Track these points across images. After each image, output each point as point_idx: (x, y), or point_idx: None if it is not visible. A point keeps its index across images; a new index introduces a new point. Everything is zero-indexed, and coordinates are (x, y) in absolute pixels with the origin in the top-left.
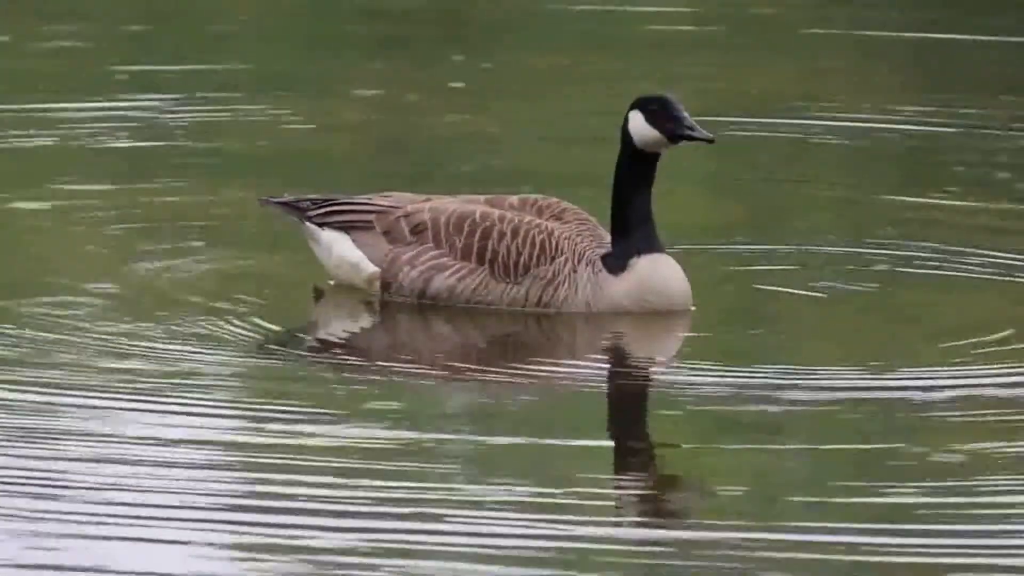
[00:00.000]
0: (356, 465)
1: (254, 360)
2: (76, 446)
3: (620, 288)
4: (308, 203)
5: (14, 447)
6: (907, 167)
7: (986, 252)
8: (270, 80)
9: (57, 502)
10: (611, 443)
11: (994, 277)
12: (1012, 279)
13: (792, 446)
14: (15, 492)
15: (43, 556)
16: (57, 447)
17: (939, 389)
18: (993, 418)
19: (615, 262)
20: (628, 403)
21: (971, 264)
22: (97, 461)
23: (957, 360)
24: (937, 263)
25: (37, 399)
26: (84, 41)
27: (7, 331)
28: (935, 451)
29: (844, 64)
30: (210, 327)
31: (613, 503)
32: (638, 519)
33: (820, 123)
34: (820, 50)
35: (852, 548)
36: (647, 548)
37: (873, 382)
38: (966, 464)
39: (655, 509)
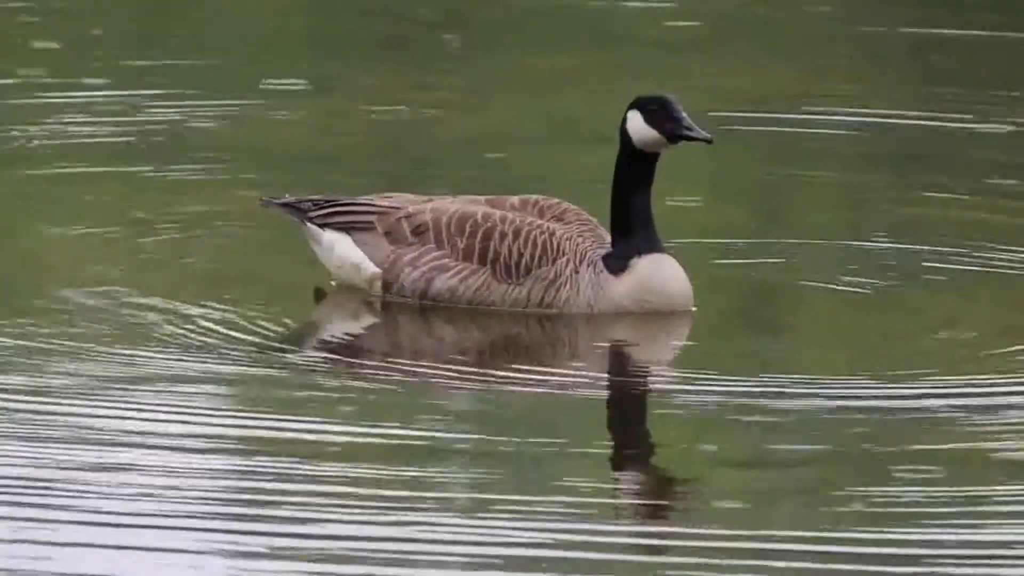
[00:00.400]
0: (356, 467)
1: (255, 362)
2: (74, 453)
3: (621, 288)
4: (309, 204)
5: (13, 455)
6: (908, 165)
7: (989, 250)
8: (271, 80)
9: (56, 511)
10: (611, 446)
11: (996, 275)
12: (1013, 277)
13: (793, 449)
14: (13, 501)
15: (42, 564)
16: (55, 454)
17: (943, 395)
18: (999, 427)
19: (616, 262)
20: (629, 405)
21: (975, 262)
22: (96, 469)
23: (962, 364)
24: (940, 262)
25: (34, 405)
26: (83, 37)
27: (1, 334)
28: (940, 460)
29: (844, 62)
30: (211, 329)
31: (613, 505)
32: (638, 522)
33: (820, 121)
34: (820, 48)
35: (853, 557)
36: (646, 552)
37: (875, 384)
38: (973, 473)
39: (655, 513)
